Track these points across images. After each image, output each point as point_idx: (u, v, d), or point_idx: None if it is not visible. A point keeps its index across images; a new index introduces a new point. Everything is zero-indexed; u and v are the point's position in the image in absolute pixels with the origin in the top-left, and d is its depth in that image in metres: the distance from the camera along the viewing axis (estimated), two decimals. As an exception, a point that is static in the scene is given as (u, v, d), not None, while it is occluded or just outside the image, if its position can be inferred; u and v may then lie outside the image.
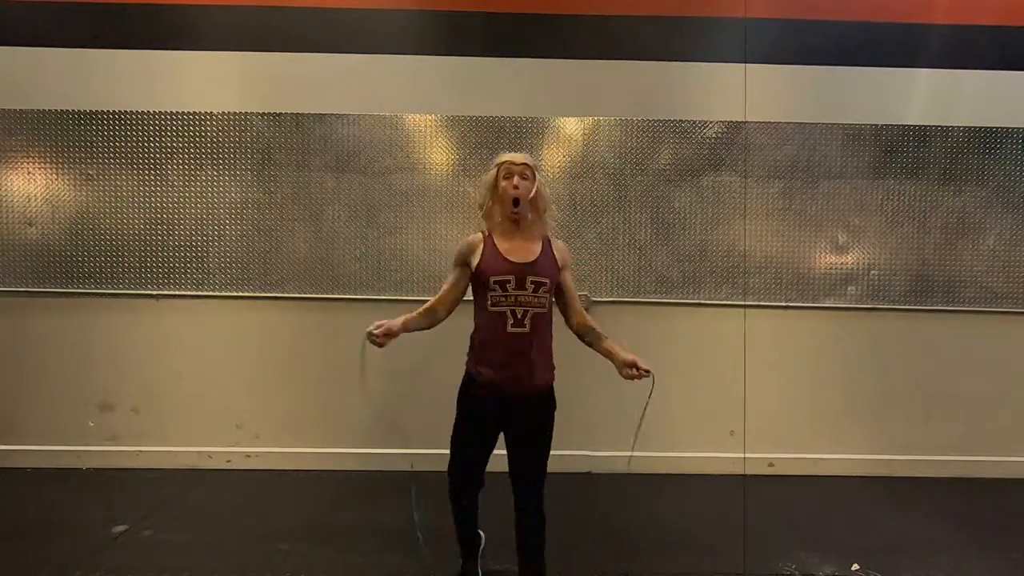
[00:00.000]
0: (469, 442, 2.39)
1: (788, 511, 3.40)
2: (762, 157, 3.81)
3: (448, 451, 2.48)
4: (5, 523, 3.09)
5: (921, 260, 3.85)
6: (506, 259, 2.26)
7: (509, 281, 2.23)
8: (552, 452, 3.71)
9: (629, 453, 2.73)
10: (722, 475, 3.86)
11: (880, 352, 3.89)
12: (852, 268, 3.86)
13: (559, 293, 2.39)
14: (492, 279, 2.23)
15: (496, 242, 2.29)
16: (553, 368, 2.39)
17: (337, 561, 2.80)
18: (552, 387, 2.39)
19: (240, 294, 3.79)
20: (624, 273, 3.83)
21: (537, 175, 2.32)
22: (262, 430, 3.86)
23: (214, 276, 3.78)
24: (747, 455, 3.92)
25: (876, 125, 3.81)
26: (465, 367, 2.39)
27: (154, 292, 3.78)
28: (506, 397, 2.27)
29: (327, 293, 3.79)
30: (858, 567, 2.81)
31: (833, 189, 3.83)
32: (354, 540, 2.99)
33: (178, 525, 3.12)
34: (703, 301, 3.85)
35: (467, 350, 2.41)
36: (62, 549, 2.84)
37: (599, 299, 3.83)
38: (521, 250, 2.28)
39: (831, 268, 3.86)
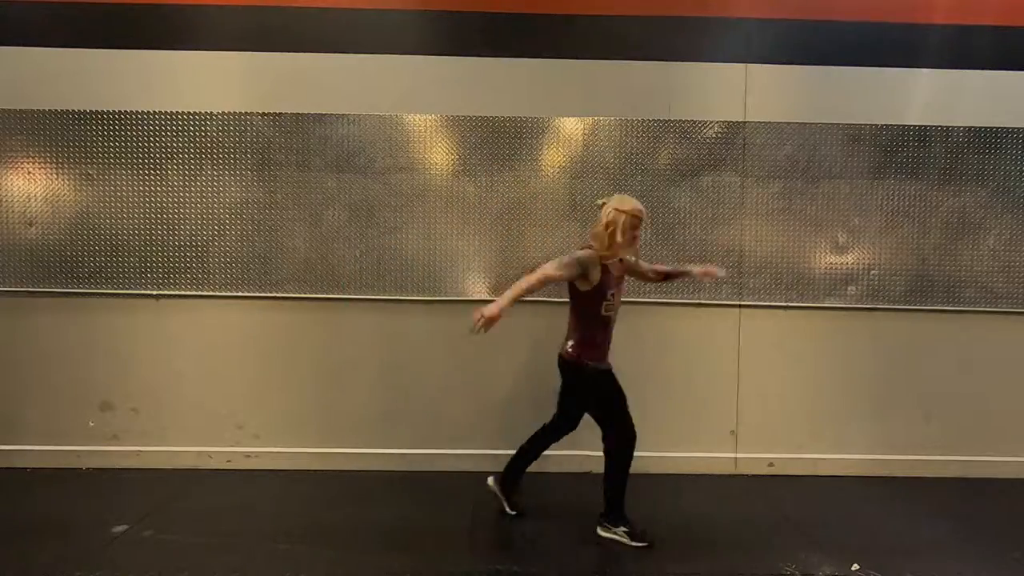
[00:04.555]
0: (624, 403, 3.04)
1: (788, 511, 3.40)
2: (762, 157, 3.81)
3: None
4: (5, 523, 3.09)
5: (921, 260, 3.85)
6: (613, 276, 2.96)
7: (615, 292, 2.97)
8: (552, 452, 3.72)
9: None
10: (722, 475, 3.86)
11: (880, 352, 3.89)
12: (852, 268, 3.86)
13: (639, 272, 3.23)
14: (609, 292, 2.92)
15: (608, 264, 2.93)
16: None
17: (337, 561, 2.80)
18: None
19: (240, 294, 3.79)
20: (624, 273, 3.83)
21: None
22: (262, 430, 3.86)
23: (214, 276, 3.78)
24: (747, 455, 3.92)
25: (876, 125, 3.81)
26: (578, 359, 2.95)
27: (154, 292, 3.78)
28: (609, 369, 3.03)
29: (327, 293, 3.80)
30: (858, 567, 2.81)
31: (833, 189, 3.83)
32: (354, 540, 2.99)
33: (178, 525, 3.11)
34: (703, 301, 3.85)
35: (571, 343, 2.96)
36: (62, 549, 2.83)
37: (599, 299, 3.82)
38: (619, 266, 3.02)
39: (831, 268, 3.86)
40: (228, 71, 3.73)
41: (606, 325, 2.98)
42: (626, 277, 3.13)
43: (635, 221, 2.89)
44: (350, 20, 3.72)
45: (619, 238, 2.87)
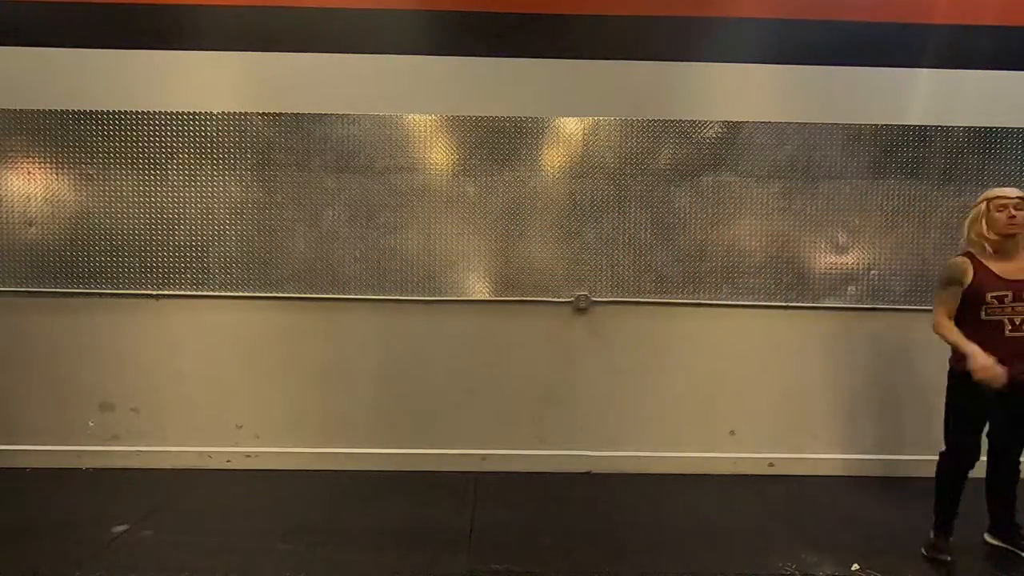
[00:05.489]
0: (971, 423, 2.84)
1: (788, 511, 3.40)
2: (762, 157, 3.81)
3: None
4: (5, 523, 3.10)
5: (921, 260, 3.85)
6: (1000, 278, 2.72)
7: (1007, 296, 2.71)
8: (552, 452, 3.72)
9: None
10: (722, 475, 3.86)
11: (880, 352, 3.89)
12: (852, 268, 3.86)
13: None
14: (989, 295, 2.72)
15: (987, 263, 2.76)
16: None
17: (337, 561, 2.80)
18: None
19: (240, 294, 3.79)
20: (624, 273, 3.83)
21: None
22: (262, 430, 3.86)
23: (214, 276, 3.78)
24: (747, 455, 3.92)
25: (876, 125, 3.81)
26: (955, 367, 2.83)
27: (154, 292, 3.78)
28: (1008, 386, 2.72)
29: (327, 293, 3.80)
30: (858, 567, 2.81)
31: (833, 189, 3.83)
32: (354, 540, 2.99)
33: (178, 525, 3.12)
34: (703, 301, 3.85)
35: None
36: (62, 549, 2.84)
37: (599, 299, 3.83)
38: (1015, 270, 2.74)
39: (831, 268, 3.86)
40: (228, 71, 3.73)
41: (993, 334, 2.72)
42: None
43: (999, 204, 2.74)
44: (350, 20, 3.72)
45: (983, 229, 2.77)
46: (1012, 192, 2.76)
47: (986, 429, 2.89)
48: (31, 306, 3.76)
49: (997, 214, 2.74)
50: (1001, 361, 2.66)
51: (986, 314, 2.74)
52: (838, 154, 3.81)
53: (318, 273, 3.80)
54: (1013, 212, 2.70)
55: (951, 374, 2.87)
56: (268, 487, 3.61)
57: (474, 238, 3.80)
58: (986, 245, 2.77)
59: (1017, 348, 2.71)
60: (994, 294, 2.72)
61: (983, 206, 2.80)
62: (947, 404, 2.89)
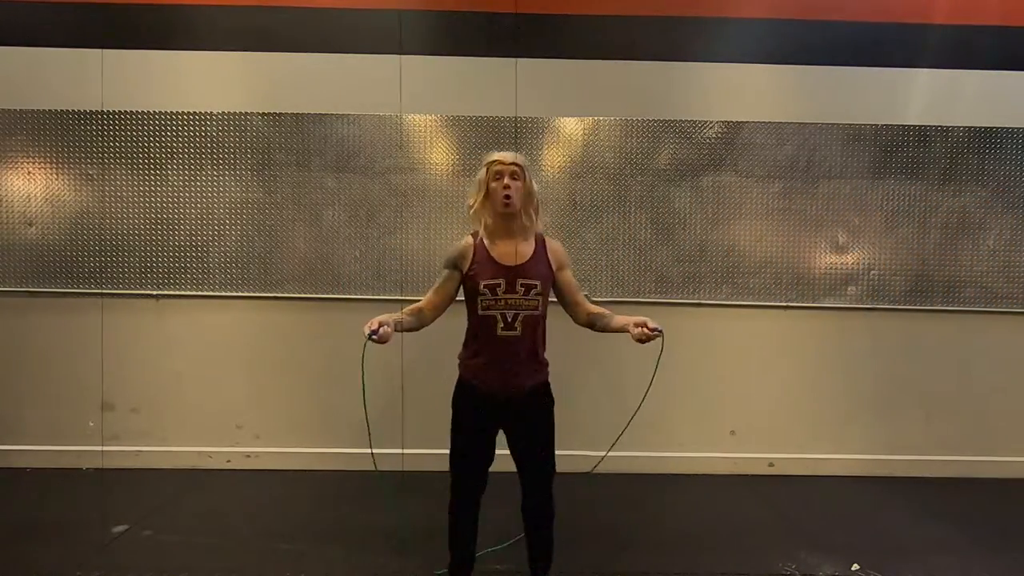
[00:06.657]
0: (468, 445, 2.38)
1: (788, 511, 3.40)
2: (762, 157, 3.81)
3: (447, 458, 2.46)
4: (5, 523, 3.09)
5: (921, 260, 3.85)
6: (497, 263, 2.21)
7: (499, 285, 2.19)
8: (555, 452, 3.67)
9: (601, 455, 2.65)
10: (722, 475, 3.86)
11: (880, 352, 3.89)
12: (852, 268, 3.86)
13: (560, 293, 2.34)
14: (482, 283, 2.20)
15: (487, 246, 2.24)
16: (545, 366, 2.36)
17: (337, 561, 2.80)
18: (546, 384, 2.37)
19: (240, 294, 3.79)
20: (624, 273, 3.83)
21: (527, 174, 2.26)
22: (262, 430, 3.86)
23: (214, 276, 3.78)
24: (747, 455, 3.92)
25: (876, 125, 3.81)
26: (458, 370, 2.37)
27: (154, 292, 3.78)
28: (498, 398, 2.26)
29: (327, 293, 3.80)
30: (858, 567, 2.81)
31: (833, 189, 3.83)
32: (354, 540, 2.99)
33: (178, 525, 3.12)
34: (703, 301, 3.85)
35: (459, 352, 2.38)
36: (62, 549, 2.83)
37: (599, 299, 3.82)
38: (512, 253, 2.22)
39: (831, 268, 3.86)
40: (228, 71, 3.73)
41: (487, 331, 2.21)
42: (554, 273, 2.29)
43: (497, 169, 2.20)
44: (350, 20, 3.72)
45: (476, 198, 2.25)
46: (508, 156, 2.23)
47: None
48: (31, 306, 3.76)
49: (494, 183, 2.20)
50: (488, 364, 2.23)
51: (482, 308, 2.21)
52: (838, 154, 3.82)
53: (318, 273, 3.80)
54: (508, 182, 2.18)
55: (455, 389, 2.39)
56: (268, 487, 3.61)
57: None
58: (488, 219, 2.23)
59: (507, 350, 2.22)
60: (487, 283, 2.19)
61: (483, 172, 2.24)
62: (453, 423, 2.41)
